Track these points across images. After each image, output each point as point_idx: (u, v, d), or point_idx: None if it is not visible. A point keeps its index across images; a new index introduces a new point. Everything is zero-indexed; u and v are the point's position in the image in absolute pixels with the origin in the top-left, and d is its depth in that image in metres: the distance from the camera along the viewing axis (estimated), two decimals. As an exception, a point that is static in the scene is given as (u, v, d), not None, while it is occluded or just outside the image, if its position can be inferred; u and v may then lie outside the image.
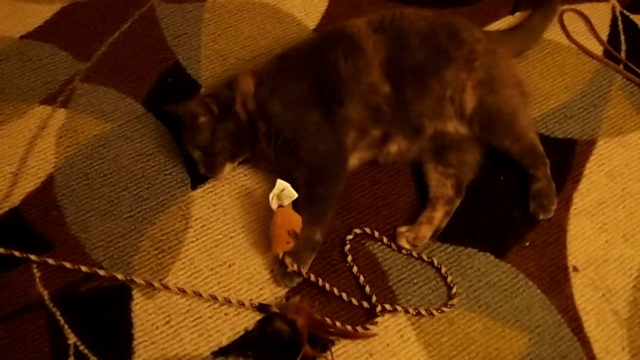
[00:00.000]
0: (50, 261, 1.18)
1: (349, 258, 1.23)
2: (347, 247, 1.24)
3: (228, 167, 1.28)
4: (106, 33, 1.52)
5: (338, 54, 1.30)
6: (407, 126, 1.30)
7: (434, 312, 1.17)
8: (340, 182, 1.27)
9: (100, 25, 1.54)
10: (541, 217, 1.29)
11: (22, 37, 1.51)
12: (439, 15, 1.40)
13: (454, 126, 1.32)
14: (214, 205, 1.28)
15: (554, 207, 1.29)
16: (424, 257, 1.23)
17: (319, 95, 1.28)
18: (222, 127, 1.26)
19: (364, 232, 1.26)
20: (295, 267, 1.17)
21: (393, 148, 1.32)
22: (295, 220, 1.18)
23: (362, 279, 1.20)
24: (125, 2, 1.58)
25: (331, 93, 1.28)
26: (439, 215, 1.26)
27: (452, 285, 1.21)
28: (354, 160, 1.32)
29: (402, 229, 1.25)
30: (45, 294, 1.16)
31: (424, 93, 1.30)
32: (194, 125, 1.26)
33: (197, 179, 1.31)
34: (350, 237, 1.25)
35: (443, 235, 1.26)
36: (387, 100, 1.29)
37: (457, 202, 1.29)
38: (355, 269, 1.21)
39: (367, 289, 1.19)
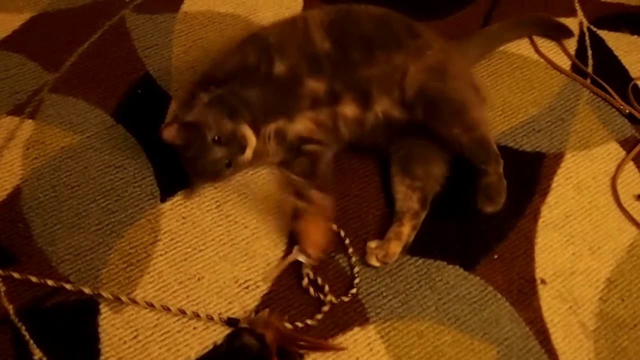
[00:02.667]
0: (16, 275, 1.16)
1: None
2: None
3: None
4: (76, 43, 1.51)
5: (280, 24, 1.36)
6: (354, 88, 1.30)
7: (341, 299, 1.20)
8: None
9: (70, 35, 1.52)
10: (488, 210, 1.25)
11: (-10, 47, 1.49)
12: (398, 13, 1.41)
13: (398, 112, 1.32)
14: (183, 218, 1.27)
15: (502, 200, 1.25)
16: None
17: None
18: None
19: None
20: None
21: (347, 110, 1.31)
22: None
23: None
24: (95, 12, 1.57)
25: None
26: (406, 230, 1.26)
27: (356, 275, 1.22)
28: (305, 122, 1.30)
29: (372, 244, 1.25)
30: (10, 308, 1.14)
31: (371, 60, 1.31)
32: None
33: (167, 192, 1.30)
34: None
35: (412, 249, 1.27)
36: (327, 55, 1.30)
37: (423, 216, 1.29)
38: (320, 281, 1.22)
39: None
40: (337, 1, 1.57)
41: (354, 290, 1.21)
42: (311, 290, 1.20)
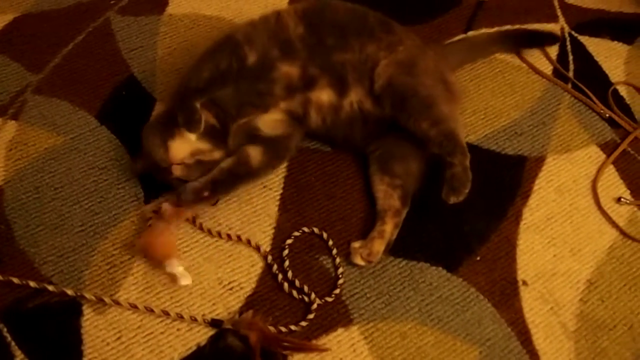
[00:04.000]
0: (-2, 276, 1.16)
1: (286, 263, 1.24)
2: (286, 252, 1.25)
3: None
4: (60, 45, 1.50)
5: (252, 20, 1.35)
6: (330, 71, 1.31)
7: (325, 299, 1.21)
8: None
9: (54, 36, 1.51)
10: (451, 200, 1.24)
11: (-28, 47, 1.48)
12: (380, 14, 1.42)
13: (371, 104, 1.32)
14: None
15: (466, 191, 1.24)
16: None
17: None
18: None
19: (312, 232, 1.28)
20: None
21: (323, 96, 1.31)
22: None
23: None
24: (80, 13, 1.57)
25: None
26: (389, 228, 1.27)
27: (340, 276, 1.24)
28: (279, 114, 1.31)
29: (356, 244, 1.26)
30: (-8, 309, 1.14)
31: (346, 46, 1.32)
32: None
33: (151, 194, 1.30)
34: (290, 241, 1.26)
35: (396, 250, 1.27)
36: (301, 39, 1.31)
37: (404, 213, 1.30)
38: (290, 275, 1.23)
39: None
40: None
41: (337, 291, 1.22)
42: (294, 293, 1.20)
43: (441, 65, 1.42)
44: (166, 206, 1.20)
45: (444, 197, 1.25)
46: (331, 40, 1.32)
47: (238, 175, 1.26)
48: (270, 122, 1.31)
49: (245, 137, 1.29)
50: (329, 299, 1.20)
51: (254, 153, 1.28)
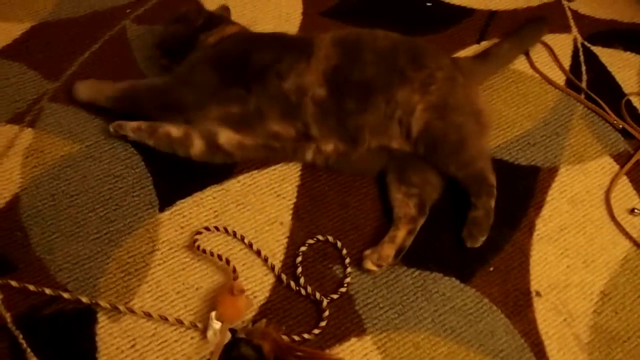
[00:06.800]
0: (14, 283, 1.16)
1: (299, 270, 1.24)
2: (299, 259, 1.26)
3: None
4: (76, 53, 1.52)
5: (285, 55, 1.35)
6: (342, 134, 1.32)
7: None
8: None
9: (71, 45, 1.53)
10: (469, 244, 1.29)
11: (-10, 55, 1.50)
12: (407, 39, 1.42)
13: (398, 144, 1.33)
14: (181, 227, 1.28)
15: (482, 239, 1.29)
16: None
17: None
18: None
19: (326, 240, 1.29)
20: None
21: (327, 147, 1.34)
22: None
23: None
24: (96, 22, 1.58)
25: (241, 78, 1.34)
26: (401, 234, 1.27)
27: (347, 274, 1.25)
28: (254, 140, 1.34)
29: (367, 251, 1.26)
30: (7, 316, 1.14)
31: (366, 109, 1.31)
32: None
33: (165, 202, 1.31)
34: (304, 248, 1.27)
35: (409, 260, 1.28)
36: (317, 102, 1.31)
37: (421, 221, 1.30)
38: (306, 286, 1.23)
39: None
40: (340, 17, 1.59)
41: (343, 289, 1.22)
42: (302, 291, 1.22)
43: (472, 92, 1.42)
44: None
45: (462, 237, 1.29)
46: (351, 104, 1.31)
47: (170, 146, 1.34)
48: (235, 141, 1.34)
49: (207, 132, 1.34)
50: (334, 296, 1.21)
51: (198, 144, 1.33)
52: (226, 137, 1.33)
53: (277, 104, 1.31)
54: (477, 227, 1.30)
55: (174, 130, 1.34)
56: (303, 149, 1.35)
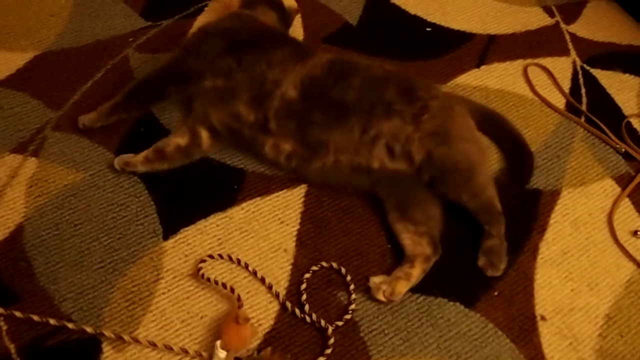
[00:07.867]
0: (18, 314, 1.16)
1: (304, 297, 1.24)
2: (304, 286, 1.25)
3: None
4: (79, 82, 1.53)
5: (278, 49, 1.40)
6: (300, 140, 1.33)
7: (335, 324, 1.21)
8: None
9: (73, 74, 1.54)
10: (489, 273, 1.29)
11: (-7, 85, 1.51)
12: (400, 73, 1.43)
13: (379, 163, 1.33)
14: (185, 256, 1.28)
15: (502, 267, 1.30)
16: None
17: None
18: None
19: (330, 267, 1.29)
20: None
21: (285, 147, 1.34)
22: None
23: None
24: (98, 51, 1.59)
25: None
26: (416, 273, 1.26)
27: (352, 301, 1.24)
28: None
29: (377, 279, 1.26)
30: (12, 347, 1.14)
31: (335, 127, 1.32)
32: None
33: (169, 230, 1.31)
34: (307, 275, 1.27)
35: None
36: (284, 100, 1.33)
37: (434, 260, 1.29)
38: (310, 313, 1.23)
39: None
40: (340, 43, 1.61)
41: (348, 316, 1.22)
42: (307, 318, 1.21)
43: (469, 121, 1.42)
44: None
45: (480, 267, 1.30)
46: (317, 116, 1.32)
47: (185, 156, 1.39)
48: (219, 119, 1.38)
49: (203, 117, 1.39)
50: (339, 323, 1.21)
51: (205, 136, 1.39)
52: (215, 116, 1.37)
53: (252, 86, 1.35)
54: (496, 255, 1.30)
55: (180, 139, 1.37)
56: (261, 140, 1.35)
